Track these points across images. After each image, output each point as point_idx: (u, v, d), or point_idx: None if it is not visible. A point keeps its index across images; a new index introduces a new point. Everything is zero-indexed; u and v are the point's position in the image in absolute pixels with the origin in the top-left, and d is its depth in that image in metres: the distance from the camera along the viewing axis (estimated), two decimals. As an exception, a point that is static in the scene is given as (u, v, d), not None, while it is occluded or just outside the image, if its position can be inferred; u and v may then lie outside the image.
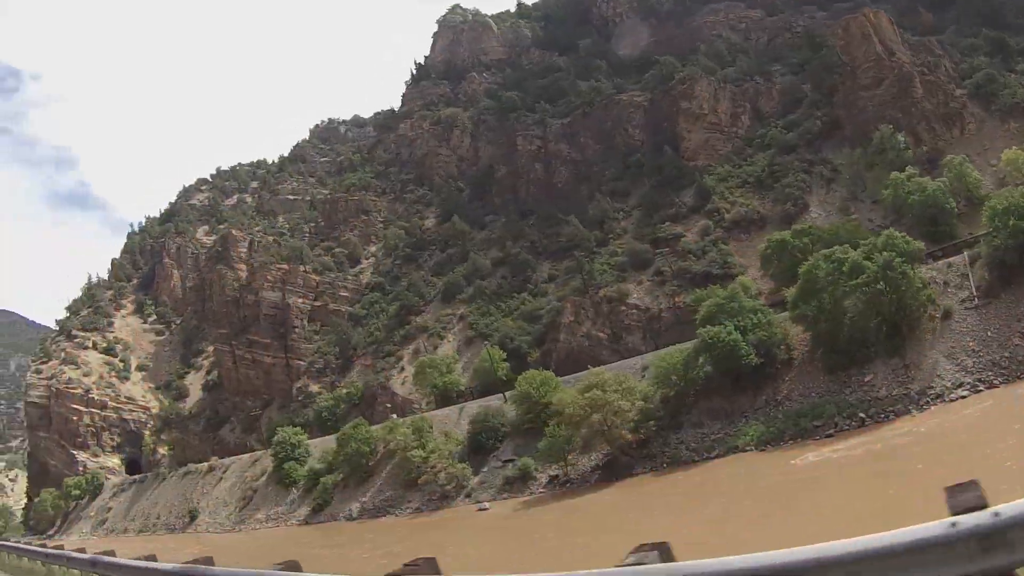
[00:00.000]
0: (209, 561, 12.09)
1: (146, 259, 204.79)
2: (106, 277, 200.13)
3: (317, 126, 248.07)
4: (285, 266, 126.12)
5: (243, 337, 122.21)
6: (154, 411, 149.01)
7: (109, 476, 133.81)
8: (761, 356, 47.18)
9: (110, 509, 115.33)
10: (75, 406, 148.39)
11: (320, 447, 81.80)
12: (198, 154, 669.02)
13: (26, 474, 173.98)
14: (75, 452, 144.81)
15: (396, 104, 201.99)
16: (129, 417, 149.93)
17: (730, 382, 48.25)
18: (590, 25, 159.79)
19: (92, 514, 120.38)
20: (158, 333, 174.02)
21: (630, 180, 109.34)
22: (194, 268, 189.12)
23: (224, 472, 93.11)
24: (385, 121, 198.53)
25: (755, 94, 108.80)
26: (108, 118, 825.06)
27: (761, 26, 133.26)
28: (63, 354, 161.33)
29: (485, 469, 59.20)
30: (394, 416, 78.57)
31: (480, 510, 53.39)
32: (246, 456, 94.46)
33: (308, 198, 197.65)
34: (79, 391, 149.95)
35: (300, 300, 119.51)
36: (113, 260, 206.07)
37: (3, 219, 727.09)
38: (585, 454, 52.26)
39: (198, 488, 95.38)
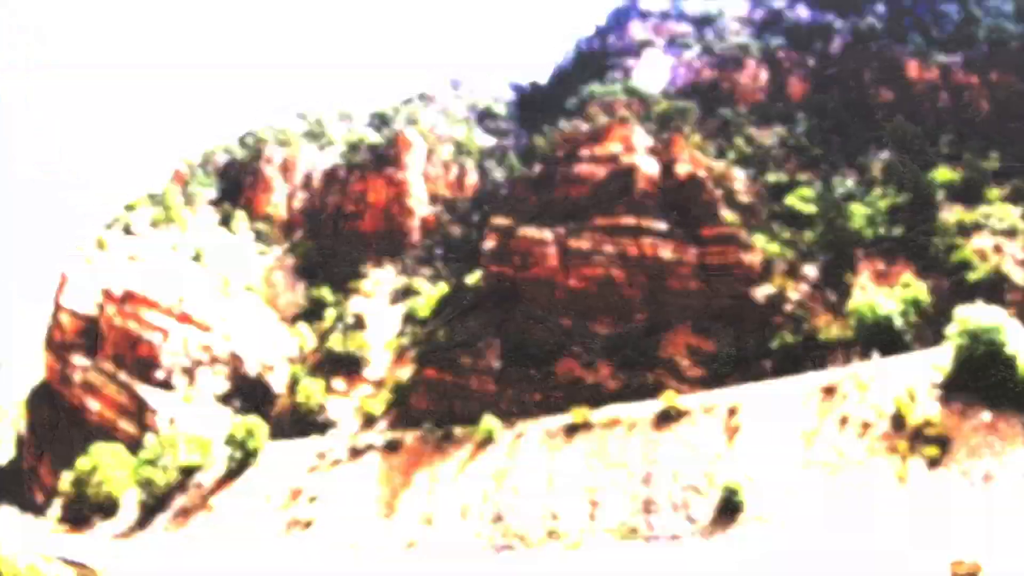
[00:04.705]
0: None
1: (219, 174, 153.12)
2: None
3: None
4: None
5: (580, 223, 73.49)
6: (294, 349, 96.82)
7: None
8: None
9: (315, 500, 61.54)
10: (156, 321, 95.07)
11: None
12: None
13: (20, 425, 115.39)
14: (144, 394, 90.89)
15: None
16: (242, 352, 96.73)
17: None
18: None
19: (239, 502, 67.13)
20: (259, 252, 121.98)
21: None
22: (304, 186, 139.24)
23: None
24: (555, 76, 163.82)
25: None
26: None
27: None
28: (129, 250, 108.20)
29: None
30: None
31: None
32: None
33: (459, 136, 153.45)
34: (165, 300, 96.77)
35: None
36: (177, 171, 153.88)
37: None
38: None
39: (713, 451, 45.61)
